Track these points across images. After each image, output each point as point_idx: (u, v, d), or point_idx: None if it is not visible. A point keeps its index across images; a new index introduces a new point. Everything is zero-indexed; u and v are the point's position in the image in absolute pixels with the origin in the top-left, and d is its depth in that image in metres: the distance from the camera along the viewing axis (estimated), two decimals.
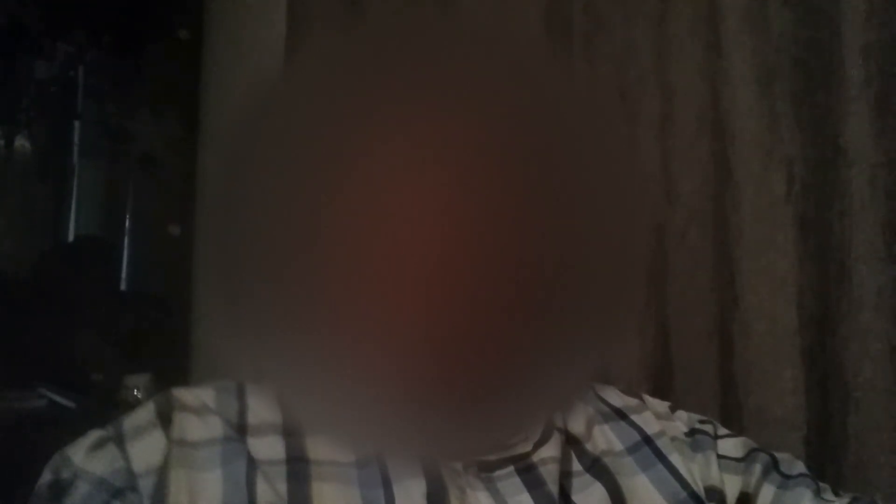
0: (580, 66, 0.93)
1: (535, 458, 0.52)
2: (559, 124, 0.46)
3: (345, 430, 0.48)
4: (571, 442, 0.55)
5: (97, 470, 0.44)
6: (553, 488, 0.51)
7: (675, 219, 0.88)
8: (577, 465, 0.53)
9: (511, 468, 0.51)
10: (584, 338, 0.46)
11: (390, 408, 0.44)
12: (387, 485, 0.47)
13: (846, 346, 0.75)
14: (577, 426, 0.56)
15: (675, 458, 0.56)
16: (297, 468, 0.47)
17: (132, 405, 0.49)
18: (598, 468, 0.54)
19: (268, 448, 0.47)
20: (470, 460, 0.50)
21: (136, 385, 1.62)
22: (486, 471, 0.50)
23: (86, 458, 0.44)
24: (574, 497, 0.51)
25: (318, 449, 0.48)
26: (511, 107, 0.45)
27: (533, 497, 0.50)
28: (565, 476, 0.52)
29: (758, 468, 0.57)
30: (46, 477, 0.44)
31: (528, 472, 0.51)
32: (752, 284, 0.82)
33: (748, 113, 0.83)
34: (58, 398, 1.59)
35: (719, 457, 0.57)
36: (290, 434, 0.49)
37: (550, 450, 0.53)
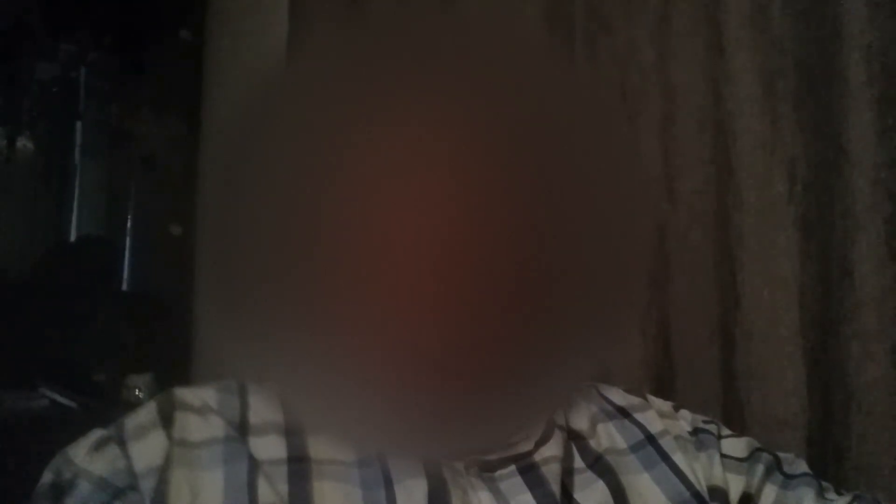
0: (582, 65, 0.92)
1: (537, 457, 0.52)
2: (561, 124, 0.46)
3: (347, 429, 0.48)
4: (574, 439, 0.55)
5: (98, 470, 0.44)
6: (555, 487, 0.50)
7: (677, 219, 0.88)
8: (579, 462, 0.53)
9: (513, 468, 0.51)
10: (585, 337, 0.46)
11: (392, 407, 0.44)
12: (388, 484, 0.47)
13: (848, 347, 0.75)
14: (580, 423, 0.56)
15: (679, 458, 0.56)
16: (299, 467, 0.47)
17: (134, 405, 0.49)
18: (600, 465, 0.54)
19: (269, 447, 0.47)
20: (471, 460, 0.50)
21: (138, 385, 1.62)
22: (487, 470, 0.50)
23: (87, 458, 0.44)
24: (576, 495, 0.51)
25: (320, 448, 0.48)
26: (512, 106, 0.45)
27: (535, 496, 0.49)
28: (567, 473, 0.52)
29: (760, 468, 0.57)
30: (48, 477, 0.44)
31: (529, 472, 0.51)
32: (753, 285, 0.82)
33: (750, 113, 0.83)
34: (59, 398, 1.59)
35: (723, 456, 0.57)
36: (292, 433, 0.49)
37: (552, 448, 0.53)
